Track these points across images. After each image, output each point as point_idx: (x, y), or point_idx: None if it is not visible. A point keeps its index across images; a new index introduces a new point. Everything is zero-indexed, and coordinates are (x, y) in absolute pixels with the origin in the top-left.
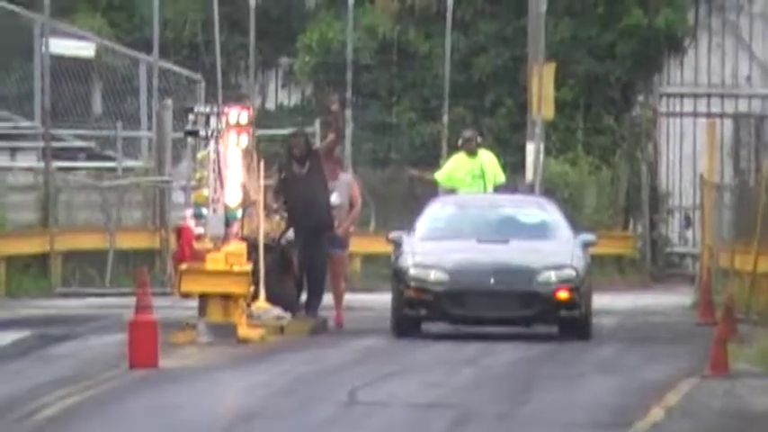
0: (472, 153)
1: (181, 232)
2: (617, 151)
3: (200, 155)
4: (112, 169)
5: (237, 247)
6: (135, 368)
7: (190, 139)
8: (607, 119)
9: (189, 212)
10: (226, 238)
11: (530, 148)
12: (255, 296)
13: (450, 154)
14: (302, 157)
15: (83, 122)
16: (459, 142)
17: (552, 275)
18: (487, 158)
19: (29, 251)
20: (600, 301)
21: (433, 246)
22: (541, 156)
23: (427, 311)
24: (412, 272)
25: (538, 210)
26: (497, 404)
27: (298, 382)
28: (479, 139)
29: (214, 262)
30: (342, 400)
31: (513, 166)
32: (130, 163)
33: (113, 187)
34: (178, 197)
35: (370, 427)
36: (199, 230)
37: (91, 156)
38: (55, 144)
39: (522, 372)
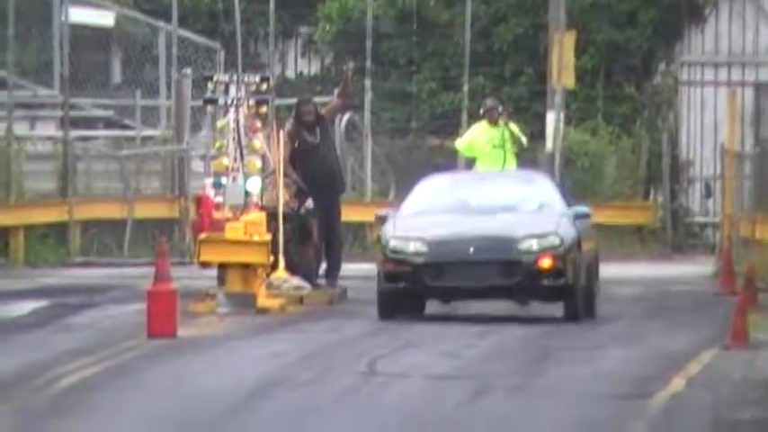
0: (493, 122)
1: (200, 201)
2: (637, 120)
3: (219, 123)
4: (131, 138)
5: (257, 216)
6: (154, 337)
7: (209, 108)
8: (627, 88)
9: (208, 181)
10: (245, 208)
11: (550, 117)
12: (275, 266)
13: (470, 123)
14: (312, 123)
15: (102, 91)
16: (481, 111)
17: (534, 243)
18: (509, 127)
19: (47, 220)
20: (620, 271)
21: (417, 219)
22: (561, 125)
23: (406, 284)
24: (392, 244)
25: (528, 184)
26: (515, 376)
27: (316, 353)
28: (501, 109)
29: (233, 231)
30: (360, 371)
31: (533, 135)
32: (149, 132)
33: (132, 156)
34: (197, 166)
35: (388, 398)
36: (218, 200)
37: (110, 124)
38: (74, 113)
39: (539, 343)
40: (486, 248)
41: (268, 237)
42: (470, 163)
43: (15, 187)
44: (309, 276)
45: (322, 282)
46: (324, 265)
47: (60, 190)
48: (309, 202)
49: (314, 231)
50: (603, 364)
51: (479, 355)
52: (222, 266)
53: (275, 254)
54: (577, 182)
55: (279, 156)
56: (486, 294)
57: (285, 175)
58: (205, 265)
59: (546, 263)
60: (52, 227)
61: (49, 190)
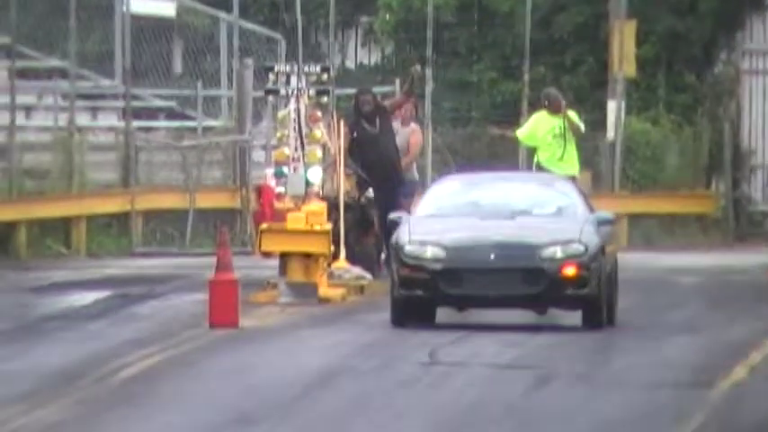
0: (554, 111)
1: (261, 191)
2: (699, 109)
3: (280, 114)
4: (192, 129)
5: (318, 206)
6: (215, 327)
7: (270, 98)
8: (689, 76)
9: (269, 171)
10: (306, 198)
11: (611, 106)
12: (336, 256)
13: (530, 112)
14: (371, 114)
15: (163, 82)
16: (545, 101)
17: (558, 251)
18: (569, 116)
19: (109, 210)
20: (681, 260)
21: (433, 223)
22: (622, 114)
23: (423, 291)
24: (407, 249)
25: (549, 188)
26: (577, 365)
27: (378, 342)
28: (562, 98)
29: (294, 221)
30: (422, 360)
31: (594, 124)
32: (210, 122)
33: (193, 147)
34: (258, 156)
35: (450, 388)
36: (279, 190)
37: (171, 115)
38: (135, 103)
39: (602, 333)
40: (507, 255)
41: (329, 226)
42: (531, 152)
43: (77, 178)
44: (370, 266)
45: (383, 271)
46: (384, 255)
47: (122, 180)
48: (370, 192)
49: (374, 221)
50: (665, 353)
51: (542, 344)
52: (283, 256)
53: (336, 244)
54: (639, 171)
55: (339, 146)
56: (506, 303)
57: (345, 165)
58: (266, 254)
59: (570, 271)
60: (114, 217)
61: (110, 180)
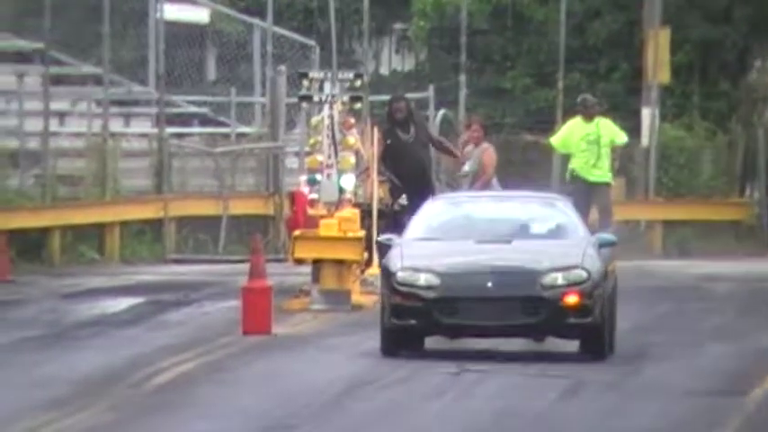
0: (588, 118)
1: (294, 198)
2: (733, 116)
3: (313, 120)
4: (226, 135)
5: (351, 213)
6: (248, 334)
7: (304, 105)
8: (723, 83)
9: (302, 178)
10: (339, 204)
11: (645, 112)
12: (369, 262)
13: (564, 119)
14: (404, 121)
15: (196, 88)
16: (581, 106)
17: (559, 277)
18: (603, 124)
19: (143, 217)
20: (716, 267)
21: (426, 247)
22: (657, 121)
23: (417, 321)
24: (399, 275)
25: (547, 208)
26: (608, 373)
27: (409, 350)
28: (599, 105)
29: (327, 228)
30: (453, 368)
31: (629, 130)
32: (244, 129)
33: (227, 153)
34: (291, 163)
35: (480, 395)
36: (312, 196)
37: (204, 121)
38: (169, 110)
39: (633, 340)
40: (505, 282)
41: (362, 233)
42: (566, 159)
43: (111, 184)
44: None
45: None
46: None
47: (155, 187)
48: (403, 199)
49: (407, 227)
50: (699, 361)
51: (571, 351)
52: (316, 263)
53: (369, 250)
54: (673, 178)
55: (372, 153)
56: (505, 333)
57: (378, 172)
58: (299, 261)
59: (572, 299)
60: (147, 223)
61: (144, 187)
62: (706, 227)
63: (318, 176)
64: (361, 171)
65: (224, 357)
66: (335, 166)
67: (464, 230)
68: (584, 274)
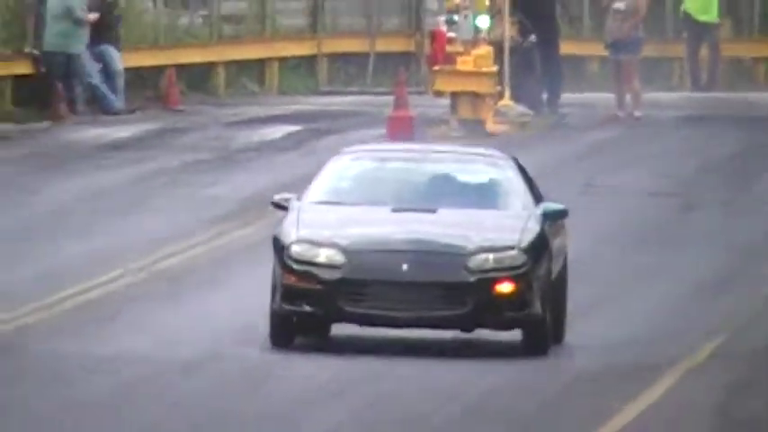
0: None
1: (434, 36)
2: None
3: None
4: None
5: (485, 50)
6: None
7: None
8: None
9: (442, 18)
10: (475, 42)
11: None
12: (501, 95)
13: None
14: None
15: None
16: None
17: (490, 259)
18: None
19: (299, 53)
20: None
21: (329, 213)
22: None
23: (314, 307)
24: (294, 249)
25: (486, 166)
26: (721, 192)
27: (538, 173)
28: None
29: (464, 63)
30: (578, 187)
31: None
32: None
33: None
34: (432, 4)
35: (602, 210)
36: (450, 35)
37: None
38: None
39: (743, 161)
40: (424, 265)
41: (495, 68)
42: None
43: (270, 23)
44: (533, 104)
45: (544, 109)
46: (545, 94)
47: (310, 26)
48: (533, 37)
49: (536, 64)
50: None
51: (689, 173)
52: (454, 95)
53: (502, 84)
54: None
55: None
56: (422, 325)
57: (510, 13)
58: (439, 94)
59: (506, 288)
60: (303, 59)
61: (300, 26)
62: None
63: (456, 17)
64: (495, 12)
65: None
66: (472, 7)
67: (379, 194)
68: (522, 258)
